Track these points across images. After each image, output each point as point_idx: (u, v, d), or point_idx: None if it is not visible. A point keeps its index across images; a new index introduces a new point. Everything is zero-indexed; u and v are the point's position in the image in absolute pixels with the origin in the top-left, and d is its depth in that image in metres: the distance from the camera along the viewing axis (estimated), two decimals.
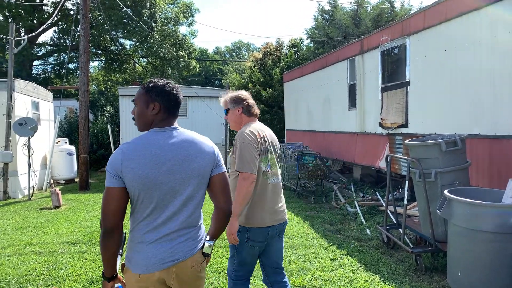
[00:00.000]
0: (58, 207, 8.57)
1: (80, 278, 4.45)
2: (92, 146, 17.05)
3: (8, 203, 9.29)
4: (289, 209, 7.46)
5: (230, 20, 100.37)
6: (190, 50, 29.15)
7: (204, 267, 2.01)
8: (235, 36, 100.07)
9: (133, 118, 2.07)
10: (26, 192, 10.38)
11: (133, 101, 2.09)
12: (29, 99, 11.23)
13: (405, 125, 6.74)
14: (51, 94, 13.06)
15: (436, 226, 4.48)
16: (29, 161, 9.82)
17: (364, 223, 6.34)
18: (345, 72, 8.88)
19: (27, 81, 11.27)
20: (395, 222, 5.56)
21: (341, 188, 8.67)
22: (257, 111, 2.93)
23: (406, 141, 4.90)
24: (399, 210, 5.61)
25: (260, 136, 2.73)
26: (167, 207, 1.87)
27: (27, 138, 9.76)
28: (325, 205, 7.83)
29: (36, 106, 11.90)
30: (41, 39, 26.01)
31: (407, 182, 4.77)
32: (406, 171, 4.77)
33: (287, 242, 5.53)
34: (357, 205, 7.14)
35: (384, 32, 7.31)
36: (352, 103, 8.65)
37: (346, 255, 4.98)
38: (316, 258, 4.93)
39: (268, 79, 17.02)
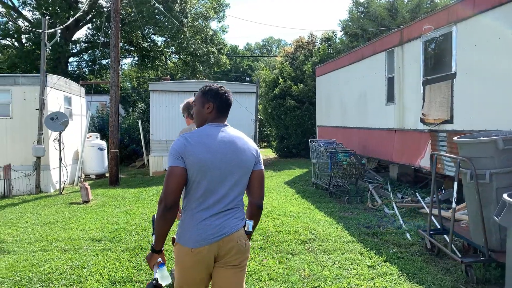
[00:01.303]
0: (87, 202, 8.56)
1: (103, 278, 4.27)
2: (124, 141, 17.22)
3: (39, 197, 9.39)
4: (321, 210, 7.07)
5: (261, 15, 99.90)
6: (221, 46, 29.03)
7: (248, 245, 2.26)
8: (265, 32, 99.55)
9: (193, 116, 2.60)
10: (58, 186, 10.50)
11: (193, 102, 2.59)
12: (62, 94, 11.35)
13: (450, 121, 6.19)
14: (83, 89, 13.20)
15: (489, 234, 3.98)
16: (60, 155, 9.89)
17: (404, 226, 5.86)
18: (383, 65, 8.35)
19: (59, 76, 11.39)
20: (439, 226, 5.07)
21: (377, 188, 8.17)
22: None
23: (455, 138, 4.40)
24: (444, 213, 5.10)
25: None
26: (218, 190, 2.17)
27: (58, 132, 9.83)
28: (360, 206, 7.37)
29: (68, 101, 12.03)
30: (76, 36, 26.65)
31: (455, 183, 4.27)
32: (455, 171, 4.28)
33: (320, 246, 5.16)
34: (395, 207, 6.66)
35: (427, 20, 6.75)
36: (390, 98, 8.12)
37: (385, 262, 4.55)
38: (352, 264, 4.53)
39: (300, 74, 16.56)
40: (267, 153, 19.04)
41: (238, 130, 2.38)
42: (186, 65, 28.26)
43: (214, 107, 2.31)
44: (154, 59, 28.75)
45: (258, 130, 13.68)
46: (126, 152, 17.17)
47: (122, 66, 38.04)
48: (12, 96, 10.14)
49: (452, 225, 4.32)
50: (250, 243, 2.31)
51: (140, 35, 24.53)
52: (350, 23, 17.06)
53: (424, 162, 6.92)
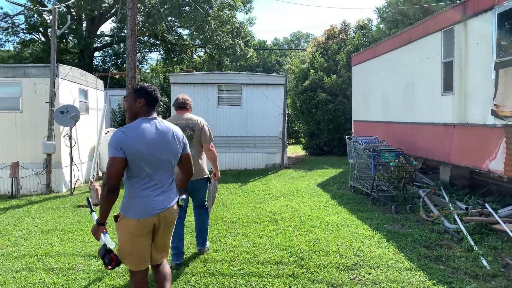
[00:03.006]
0: (96, 205, 7.68)
1: None
2: None
3: (48, 198, 8.61)
4: (365, 221, 5.85)
5: (290, 7, 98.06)
6: (248, 38, 27.95)
7: (176, 215, 2.96)
8: (294, 25, 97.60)
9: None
10: (77, 183, 9.74)
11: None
12: (76, 86, 10.57)
13: None
14: (101, 82, 12.40)
15: None
16: (70, 152, 9.09)
17: (476, 248, 4.58)
18: (438, 48, 7.00)
19: (72, 67, 10.61)
20: None
21: (430, 194, 6.86)
22: (184, 106, 4.45)
23: None
24: None
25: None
26: (155, 174, 2.76)
27: (69, 127, 9.02)
28: (411, 217, 6.10)
29: (84, 94, 11.26)
30: (101, 29, 26.22)
31: None
32: None
33: (369, 274, 3.98)
34: (458, 220, 5.36)
35: None
36: (447, 86, 6.77)
37: None
38: None
39: (332, 64, 15.23)
40: (295, 150, 17.84)
41: (167, 122, 2.92)
42: (212, 58, 27.37)
43: (145, 102, 2.80)
44: (180, 52, 28.04)
45: (286, 125, 12.51)
46: None
47: (148, 61, 37.70)
48: (22, 88, 9.41)
49: None
50: None
51: (164, 27, 23.75)
52: (388, 9, 15.56)
53: (495, 165, 5.58)
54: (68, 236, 5.59)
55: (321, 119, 14.48)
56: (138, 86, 2.86)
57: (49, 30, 24.03)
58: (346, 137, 8.35)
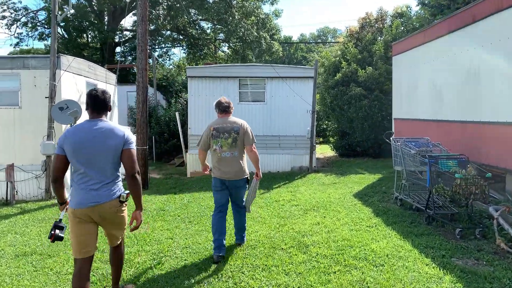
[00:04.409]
0: None
1: None
2: (164, 135, 15.45)
3: (45, 205, 7.61)
4: (424, 252, 4.44)
5: (316, 2, 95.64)
6: (273, 31, 26.61)
7: (121, 210, 3.12)
8: (321, 20, 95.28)
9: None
10: None
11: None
12: (83, 79, 9.57)
13: None
14: (113, 75, 11.38)
15: None
16: None
17: None
18: None
19: (76, 58, 9.59)
20: None
21: (505, 214, 5.35)
22: (228, 109, 4.66)
23: None
24: None
25: (213, 128, 4.55)
26: (93, 168, 2.98)
27: (70, 126, 7.98)
28: (484, 245, 4.65)
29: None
30: (123, 24, 25.48)
31: None
32: None
33: None
34: None
35: None
36: None
37: None
38: None
39: (367, 56, 13.68)
40: (323, 151, 16.38)
41: (112, 122, 3.17)
42: (236, 53, 26.21)
43: (89, 106, 3.13)
44: (203, 47, 27.01)
45: (315, 123, 11.13)
46: (166, 147, 15.38)
47: (171, 56, 36.90)
48: (20, 81, 8.48)
49: None
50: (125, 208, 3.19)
51: (186, 20, 22.70)
52: None
53: None
54: (45, 263, 4.48)
55: (354, 117, 12.99)
56: (88, 92, 3.17)
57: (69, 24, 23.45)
58: (392, 138, 6.90)
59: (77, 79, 9.22)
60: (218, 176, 4.50)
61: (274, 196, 7.85)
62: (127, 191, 3.11)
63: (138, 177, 3.10)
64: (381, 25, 15.28)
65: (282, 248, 4.72)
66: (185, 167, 12.11)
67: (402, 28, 14.56)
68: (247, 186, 4.71)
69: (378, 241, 4.85)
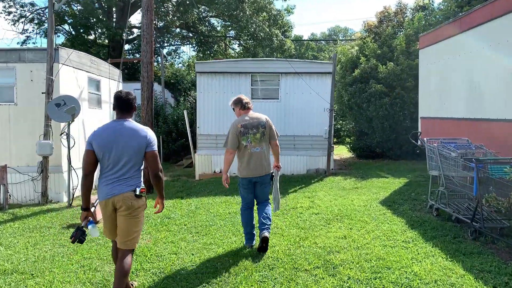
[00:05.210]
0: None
1: None
2: (172, 135, 14.81)
3: (39, 210, 6.96)
4: (481, 278, 3.63)
5: (328, 1, 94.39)
6: (286, 28, 25.85)
7: (135, 204, 3.24)
8: (332, 17, 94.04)
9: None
10: (78, 192, 8.10)
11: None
12: (85, 74, 8.92)
13: None
14: (116, 70, 10.72)
15: None
16: (68, 155, 7.40)
17: None
18: None
19: (76, 51, 8.94)
20: None
21: None
22: (249, 105, 4.70)
23: None
24: None
25: (240, 125, 4.51)
26: (115, 165, 3.23)
27: (67, 124, 7.33)
28: None
29: (96, 85, 9.62)
30: (131, 21, 24.91)
31: None
32: None
33: None
34: None
35: None
36: None
37: None
38: None
39: (387, 51, 12.84)
40: (339, 151, 15.57)
41: (137, 124, 3.35)
42: (247, 51, 25.50)
43: (116, 107, 3.36)
44: (213, 45, 26.35)
45: (333, 122, 10.34)
46: (174, 147, 14.73)
47: (180, 54, 36.27)
48: (16, 76, 7.85)
49: None
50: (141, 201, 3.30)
51: (196, 16, 22.02)
52: None
53: None
54: (24, 284, 3.78)
55: (373, 116, 12.15)
56: (114, 94, 3.46)
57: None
58: (425, 139, 6.09)
59: (77, 73, 8.57)
60: (246, 176, 4.54)
61: (291, 202, 7.10)
62: (143, 187, 3.30)
63: (161, 174, 3.36)
64: (401, 19, 14.42)
65: (306, 269, 3.97)
66: (194, 168, 11.41)
67: (424, 22, 13.67)
68: (271, 183, 4.81)
69: (420, 262, 4.06)
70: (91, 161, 3.21)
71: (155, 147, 3.31)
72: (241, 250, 4.58)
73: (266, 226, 4.64)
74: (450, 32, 7.76)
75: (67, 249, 4.86)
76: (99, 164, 3.28)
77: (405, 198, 6.94)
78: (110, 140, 3.20)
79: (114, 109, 3.39)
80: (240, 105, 4.67)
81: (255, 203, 4.81)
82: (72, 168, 7.47)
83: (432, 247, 4.50)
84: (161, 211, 3.62)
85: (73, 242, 3.23)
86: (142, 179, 3.35)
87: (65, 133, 7.30)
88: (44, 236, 5.40)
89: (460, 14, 8.55)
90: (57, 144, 7.68)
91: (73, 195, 7.51)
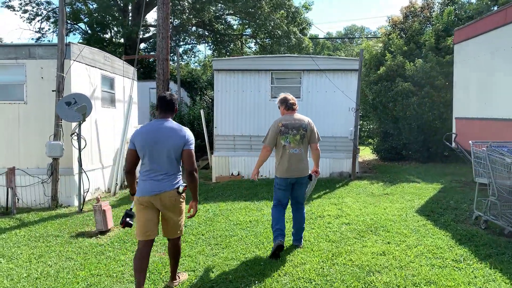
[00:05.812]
0: (103, 232, 5.46)
1: None
2: None
3: (48, 216, 6.54)
4: None
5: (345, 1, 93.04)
6: (304, 25, 25.19)
7: (179, 200, 3.46)
8: (349, 16, 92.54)
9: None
10: (89, 196, 7.69)
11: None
12: (98, 72, 8.51)
13: None
14: (131, 68, 10.29)
15: None
16: (79, 156, 6.96)
17: None
18: None
19: (90, 47, 8.52)
20: None
21: None
22: (294, 107, 4.63)
23: None
24: None
25: (281, 124, 4.48)
26: (156, 163, 3.37)
27: (77, 123, 6.89)
28: None
29: (110, 83, 9.21)
30: (147, 20, 24.64)
31: None
32: None
33: None
34: None
35: None
36: None
37: None
38: None
39: (414, 47, 12.12)
40: (362, 153, 14.86)
41: (175, 123, 3.50)
42: (264, 49, 24.95)
43: (158, 107, 3.54)
44: (229, 43, 25.89)
45: (359, 122, 9.70)
46: None
47: (196, 53, 35.95)
48: (26, 73, 7.47)
49: None
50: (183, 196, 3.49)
51: (212, 13, 21.56)
52: None
53: None
54: None
55: (400, 116, 11.45)
56: (157, 95, 3.81)
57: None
58: (470, 142, 5.43)
59: (90, 71, 8.16)
60: (284, 176, 4.48)
61: (316, 209, 6.52)
62: (185, 184, 3.45)
63: (196, 174, 3.43)
64: (427, 14, 13.65)
65: None
66: (210, 170, 10.92)
67: (453, 16, 12.88)
68: (308, 184, 4.75)
69: None
70: (132, 160, 3.44)
71: (192, 146, 3.45)
72: (266, 269, 4.03)
73: (299, 237, 4.74)
74: (492, 24, 7.06)
75: (74, 263, 4.40)
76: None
77: (444, 207, 6.28)
78: (150, 138, 3.36)
79: (156, 109, 3.58)
80: (285, 105, 4.63)
81: (289, 203, 4.74)
82: (83, 171, 7.03)
83: (490, 268, 3.87)
84: (193, 216, 3.60)
85: (123, 227, 3.71)
86: (181, 176, 3.51)
87: (75, 134, 6.86)
88: (51, 246, 4.96)
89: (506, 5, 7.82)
90: (68, 145, 7.27)
91: (84, 199, 7.08)
